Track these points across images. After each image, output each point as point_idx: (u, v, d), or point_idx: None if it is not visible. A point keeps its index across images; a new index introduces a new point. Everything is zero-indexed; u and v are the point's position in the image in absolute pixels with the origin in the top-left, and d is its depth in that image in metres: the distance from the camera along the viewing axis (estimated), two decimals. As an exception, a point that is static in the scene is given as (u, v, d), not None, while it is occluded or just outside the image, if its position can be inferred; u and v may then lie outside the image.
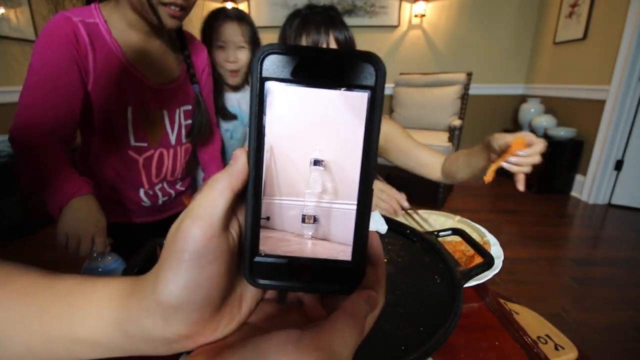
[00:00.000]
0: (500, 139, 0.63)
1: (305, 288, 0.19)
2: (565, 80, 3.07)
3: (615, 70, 2.52)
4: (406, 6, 3.43)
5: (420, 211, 0.84)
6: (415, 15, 3.41)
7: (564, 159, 2.83)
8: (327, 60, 0.17)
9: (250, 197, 0.18)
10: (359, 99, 0.17)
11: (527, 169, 0.62)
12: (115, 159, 0.81)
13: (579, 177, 2.87)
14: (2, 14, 2.36)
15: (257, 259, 0.19)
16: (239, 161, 0.18)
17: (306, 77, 0.17)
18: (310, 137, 0.18)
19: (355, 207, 0.18)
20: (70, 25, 0.65)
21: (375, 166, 0.18)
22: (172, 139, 0.85)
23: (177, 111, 0.84)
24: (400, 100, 3.22)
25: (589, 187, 2.75)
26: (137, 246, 0.52)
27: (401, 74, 3.35)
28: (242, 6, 3.44)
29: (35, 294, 0.20)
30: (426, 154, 0.93)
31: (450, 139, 2.63)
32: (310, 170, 0.18)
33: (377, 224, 0.61)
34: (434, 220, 0.82)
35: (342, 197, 0.18)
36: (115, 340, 0.18)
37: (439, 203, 2.58)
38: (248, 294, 0.20)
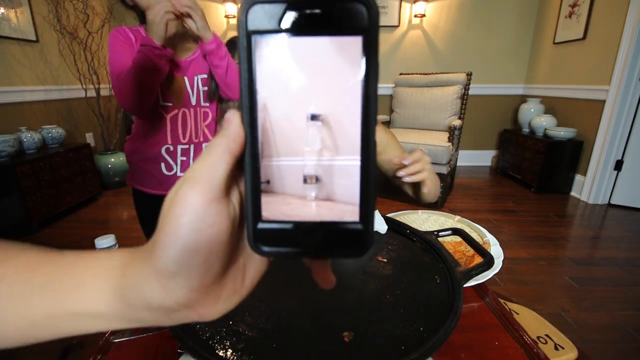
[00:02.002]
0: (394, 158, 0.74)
1: (313, 253, 0.18)
2: (565, 80, 3.07)
3: (615, 70, 2.52)
4: (406, 6, 3.43)
5: (420, 211, 0.84)
6: (415, 16, 3.42)
7: (563, 159, 2.83)
8: (315, 5, 0.16)
9: (248, 159, 0.17)
10: (353, 44, 0.16)
11: (421, 176, 0.71)
12: (148, 129, 1.02)
13: (578, 177, 2.88)
14: (2, 14, 2.36)
15: (260, 225, 0.18)
16: (233, 123, 0.17)
17: (295, 25, 0.16)
18: (305, 91, 0.17)
19: (358, 162, 0.17)
20: (122, 30, 0.97)
21: (376, 115, 0.17)
22: (193, 100, 1.05)
23: (195, 78, 1.04)
24: (400, 100, 3.22)
25: (589, 187, 2.75)
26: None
27: (401, 74, 3.35)
28: (242, 6, 3.43)
29: (38, 270, 0.20)
30: (395, 154, 0.95)
31: (450, 139, 2.63)
32: (307, 127, 0.17)
33: (377, 224, 0.62)
34: (434, 220, 0.82)
35: (344, 153, 0.17)
36: (117, 310, 0.18)
37: (439, 203, 2.58)
38: (251, 266, 0.20)
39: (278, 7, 0.16)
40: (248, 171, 0.17)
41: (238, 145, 0.17)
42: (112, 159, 3.02)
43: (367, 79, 0.16)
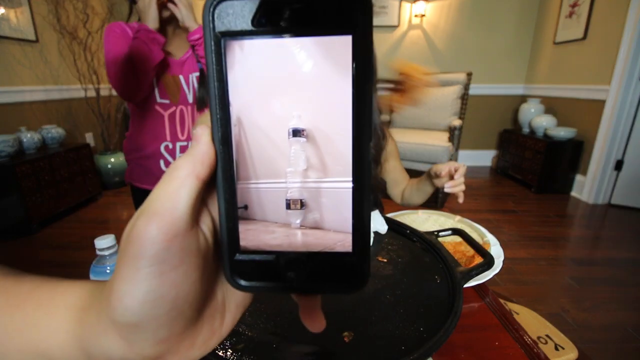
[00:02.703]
0: (435, 167, 0.84)
1: (299, 288, 0.16)
2: (565, 80, 3.07)
3: (615, 70, 2.52)
4: (406, 6, 3.43)
5: (420, 211, 0.84)
6: (415, 15, 3.41)
7: (564, 159, 2.83)
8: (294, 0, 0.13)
9: (221, 183, 0.15)
10: (341, 45, 0.13)
11: (462, 188, 0.79)
12: (145, 114, 1.03)
13: (579, 177, 2.87)
14: (2, 14, 2.36)
15: (237, 256, 0.15)
16: (202, 141, 0.14)
17: (271, 24, 0.13)
18: (285, 102, 0.14)
19: (350, 184, 0.14)
20: (118, 24, 0.99)
21: (370, 129, 0.14)
22: (189, 97, 1.06)
23: (190, 76, 1.05)
24: (400, 100, 3.22)
25: (589, 187, 2.75)
26: None
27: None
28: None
29: None
30: (400, 176, 0.98)
31: (450, 139, 2.63)
32: (289, 143, 0.14)
33: (377, 224, 0.61)
34: (434, 220, 0.82)
35: (333, 173, 0.14)
36: (73, 357, 0.16)
37: (439, 203, 2.58)
38: (231, 301, 0.17)
39: (250, 3, 0.13)
40: (221, 196, 0.15)
41: (206, 167, 0.14)
42: (112, 159, 3.02)
43: (359, 85, 0.13)
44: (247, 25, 0.13)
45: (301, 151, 0.15)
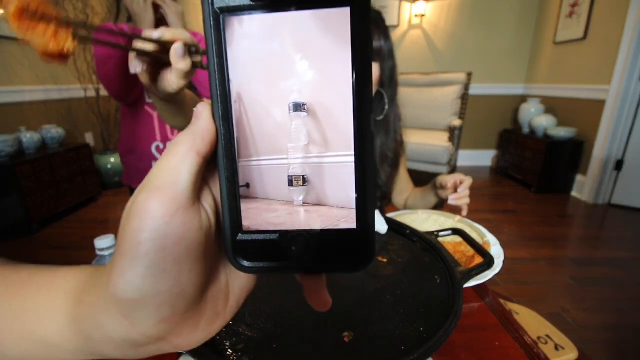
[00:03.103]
0: (441, 178, 0.83)
1: (303, 268, 0.15)
2: (565, 80, 3.07)
3: (615, 70, 2.52)
4: (406, 6, 3.43)
5: (420, 211, 0.84)
6: (415, 15, 3.41)
7: (564, 159, 2.83)
8: None
9: (222, 160, 0.15)
10: (340, 17, 0.13)
11: (466, 201, 0.79)
12: (135, 115, 1.02)
13: (579, 177, 2.87)
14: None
15: (240, 236, 0.15)
16: (202, 117, 0.14)
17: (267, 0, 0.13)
18: (286, 76, 0.14)
19: (353, 157, 0.14)
20: (107, 25, 0.95)
21: (372, 102, 0.14)
22: None
23: None
24: (400, 100, 3.22)
25: (589, 187, 2.74)
26: None
27: (401, 74, 3.35)
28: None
29: None
30: (405, 185, 0.98)
31: (451, 139, 2.63)
32: (290, 118, 0.14)
33: (378, 224, 0.61)
34: (434, 220, 0.82)
35: (335, 148, 0.14)
36: (73, 342, 0.15)
37: (439, 203, 2.58)
38: (236, 283, 0.17)
39: None
40: (223, 174, 0.15)
41: (207, 142, 0.14)
42: (112, 159, 3.02)
43: (358, 58, 0.13)
44: (245, 0, 0.13)
45: (302, 126, 0.14)
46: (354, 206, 0.14)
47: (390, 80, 0.76)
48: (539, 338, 0.80)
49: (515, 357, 0.47)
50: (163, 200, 0.13)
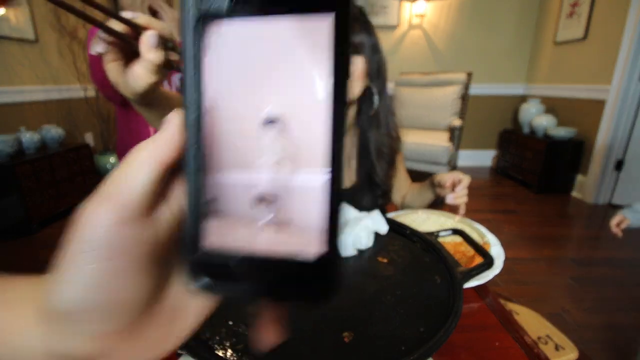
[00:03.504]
0: (439, 177, 0.82)
1: (263, 294, 0.14)
2: (565, 80, 3.07)
3: (615, 70, 2.52)
4: (406, 6, 3.43)
5: (420, 211, 0.84)
6: (415, 15, 3.41)
7: (564, 159, 2.83)
8: None
9: (188, 172, 0.14)
10: (320, 27, 0.13)
11: (464, 200, 0.78)
12: (130, 116, 1.01)
13: (579, 177, 2.87)
14: (2, 14, 2.35)
15: (197, 256, 0.14)
16: (171, 125, 0.14)
17: (249, 4, 0.13)
18: (261, 87, 0.13)
19: (325, 177, 0.13)
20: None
21: (346, 121, 0.13)
22: None
23: (173, 77, 1.04)
24: (401, 100, 3.22)
25: (590, 187, 2.74)
26: None
27: (401, 73, 3.35)
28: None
29: None
30: (403, 182, 0.97)
31: (451, 139, 2.63)
32: (262, 132, 0.13)
33: (378, 224, 0.61)
34: (434, 220, 0.82)
35: (307, 165, 0.13)
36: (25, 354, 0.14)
37: (439, 203, 2.58)
38: (191, 304, 0.16)
39: None
40: (188, 186, 0.14)
41: (170, 151, 0.13)
42: (112, 159, 3.02)
43: (337, 70, 0.13)
44: (224, 6, 0.13)
45: (274, 141, 0.14)
46: (323, 230, 0.14)
47: (377, 73, 0.75)
48: (539, 338, 0.80)
49: (515, 357, 0.47)
50: (112, 209, 0.12)
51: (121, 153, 1.09)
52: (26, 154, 2.30)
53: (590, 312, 1.48)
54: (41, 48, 2.67)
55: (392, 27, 3.49)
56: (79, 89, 2.93)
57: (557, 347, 0.77)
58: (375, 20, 3.43)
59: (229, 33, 0.13)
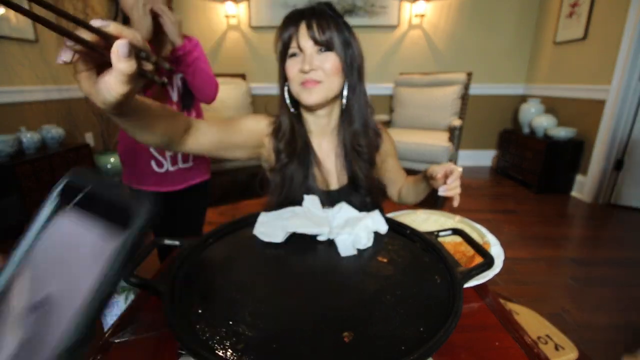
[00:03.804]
0: (431, 169, 0.81)
1: None
2: (565, 80, 3.07)
3: (615, 70, 2.52)
4: (406, 6, 3.43)
5: (419, 211, 0.84)
6: (415, 15, 3.41)
7: (564, 159, 2.83)
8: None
9: None
10: (107, 236, 0.15)
11: (457, 191, 0.76)
12: None
13: (579, 177, 2.87)
14: (2, 14, 2.35)
15: None
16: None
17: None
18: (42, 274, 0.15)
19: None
20: None
21: (94, 328, 0.15)
22: (174, 96, 1.06)
23: (174, 77, 1.05)
24: (401, 100, 3.22)
25: (589, 187, 2.74)
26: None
27: (401, 73, 3.35)
28: (242, 6, 3.44)
29: None
30: (398, 176, 0.96)
31: (451, 139, 2.63)
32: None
33: (378, 224, 0.61)
34: (434, 220, 0.82)
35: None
36: None
37: (439, 203, 2.58)
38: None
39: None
40: None
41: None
42: (112, 159, 3.02)
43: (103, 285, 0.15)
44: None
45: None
46: None
47: (350, 69, 0.75)
48: (539, 338, 0.80)
49: (515, 357, 0.47)
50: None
51: (122, 153, 1.09)
52: (26, 154, 2.30)
53: (590, 312, 1.48)
54: (41, 48, 2.67)
55: (392, 27, 3.49)
56: (79, 89, 2.93)
57: (557, 347, 0.77)
58: (375, 20, 3.43)
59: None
